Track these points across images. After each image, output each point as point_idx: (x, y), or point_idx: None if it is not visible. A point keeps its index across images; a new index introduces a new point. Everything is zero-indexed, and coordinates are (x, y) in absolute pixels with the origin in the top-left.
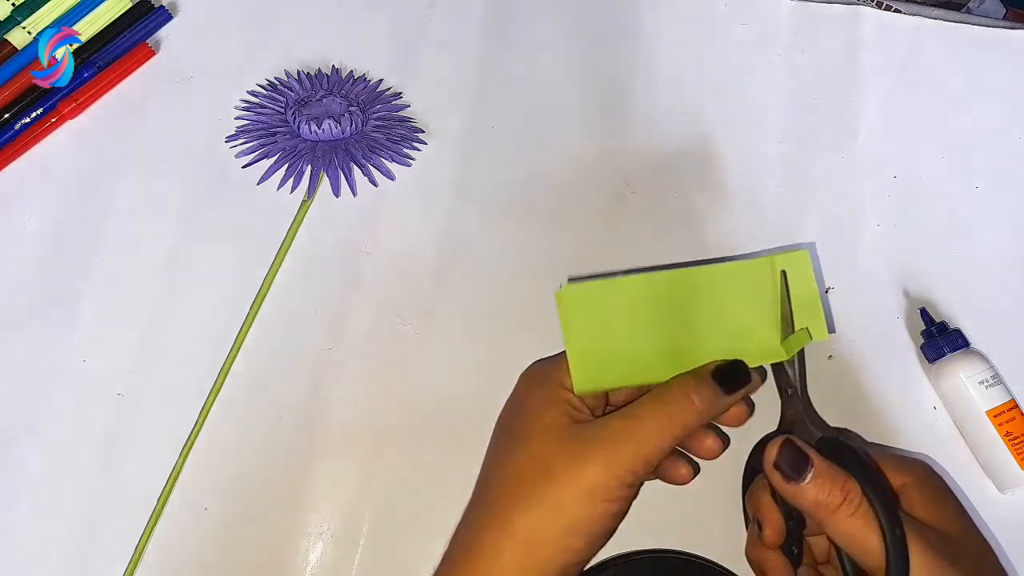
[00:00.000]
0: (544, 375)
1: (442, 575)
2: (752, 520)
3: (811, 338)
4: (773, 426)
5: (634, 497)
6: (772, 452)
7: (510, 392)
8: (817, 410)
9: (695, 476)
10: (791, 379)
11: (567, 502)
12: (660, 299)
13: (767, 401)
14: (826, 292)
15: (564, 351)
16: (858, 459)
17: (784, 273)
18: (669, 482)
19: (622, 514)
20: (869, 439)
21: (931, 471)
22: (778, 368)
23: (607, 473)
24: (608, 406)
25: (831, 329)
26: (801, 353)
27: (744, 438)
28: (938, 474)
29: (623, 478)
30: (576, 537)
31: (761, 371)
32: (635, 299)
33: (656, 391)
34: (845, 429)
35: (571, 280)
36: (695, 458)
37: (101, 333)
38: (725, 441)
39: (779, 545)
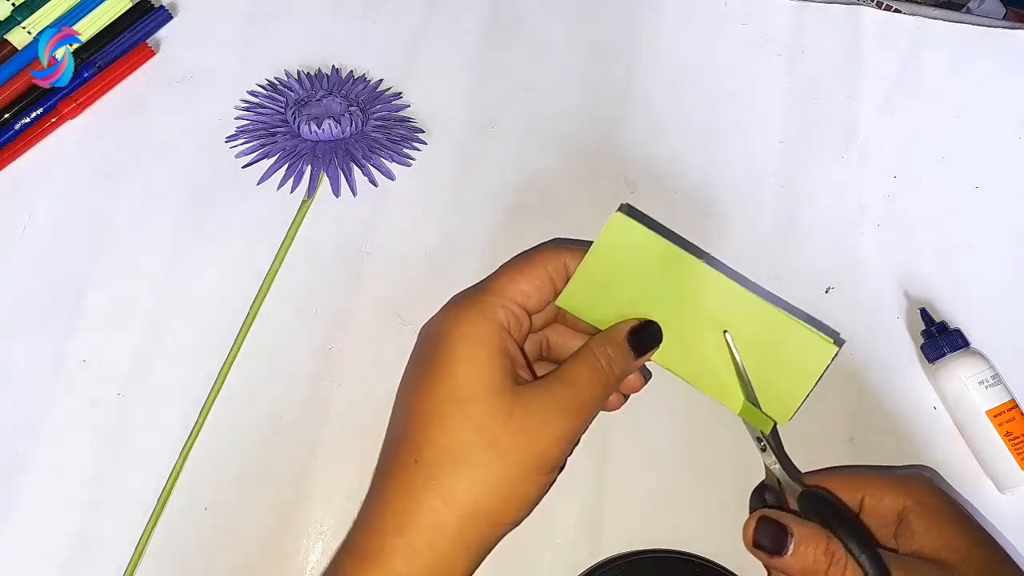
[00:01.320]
0: (477, 307)
1: (371, 545)
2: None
3: (769, 424)
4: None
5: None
6: (749, 532)
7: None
8: (818, 412)
9: (626, 401)
10: (762, 435)
11: (516, 475)
12: (690, 284)
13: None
14: (826, 292)
15: (494, 275)
16: (838, 512)
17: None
18: (607, 410)
19: (544, 494)
20: (869, 439)
21: (934, 490)
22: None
23: (559, 445)
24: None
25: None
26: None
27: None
28: (939, 490)
29: (568, 449)
30: (519, 510)
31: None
32: (670, 270)
33: (582, 356)
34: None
35: (629, 210)
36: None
37: (101, 333)
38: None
39: None
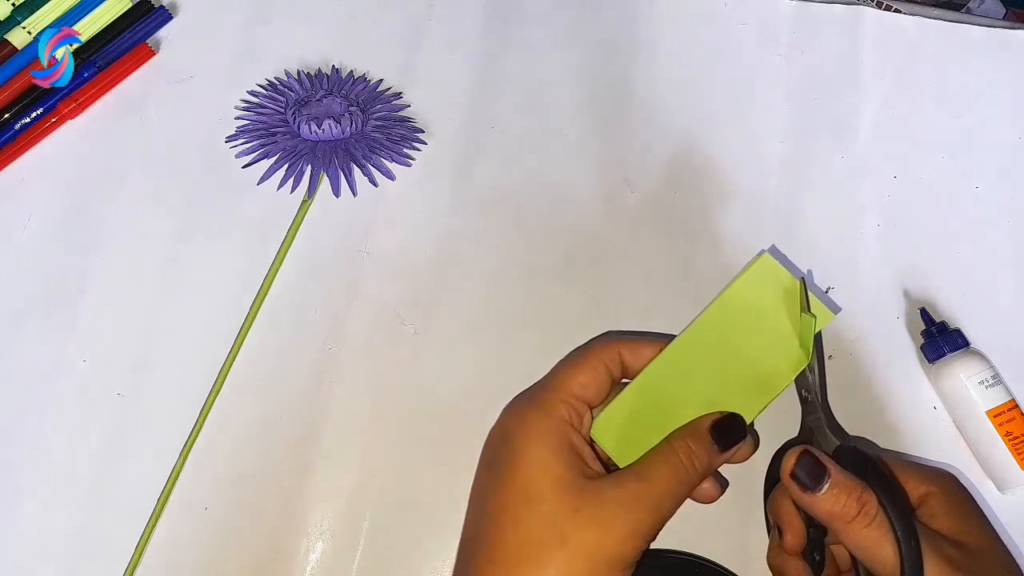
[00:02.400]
0: (538, 408)
1: None
2: (773, 526)
3: (817, 319)
4: (794, 432)
5: None
6: (790, 462)
7: (494, 423)
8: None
9: (723, 492)
10: (810, 384)
11: (582, 571)
12: (679, 368)
13: (787, 407)
14: (826, 292)
15: (547, 378)
16: (876, 469)
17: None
18: (699, 501)
19: None
20: (869, 439)
21: (956, 483)
22: (799, 374)
23: (630, 542)
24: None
25: (834, 309)
26: (820, 360)
27: (765, 443)
28: (964, 486)
29: (641, 545)
30: None
31: (754, 435)
32: (657, 382)
33: (660, 452)
34: (862, 438)
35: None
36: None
37: (101, 333)
38: (724, 485)
39: (800, 552)
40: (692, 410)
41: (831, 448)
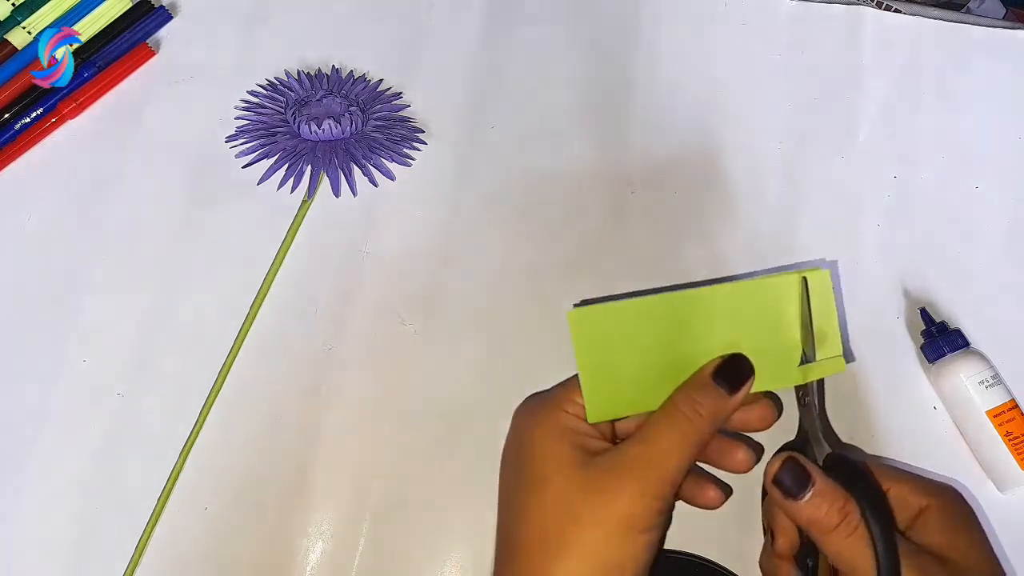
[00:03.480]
0: (544, 405)
1: None
2: (767, 529)
3: (827, 372)
4: (793, 436)
5: (668, 526)
6: (774, 467)
7: (509, 428)
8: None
9: (727, 498)
10: (810, 388)
11: (601, 542)
12: (675, 320)
13: (787, 412)
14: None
15: (560, 383)
16: (864, 480)
17: (807, 291)
18: (700, 506)
19: (658, 544)
20: (869, 439)
21: (958, 498)
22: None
23: (639, 502)
24: (615, 433)
25: (849, 357)
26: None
27: (766, 445)
28: (965, 503)
29: (653, 505)
30: (628, 571)
31: (777, 402)
32: (649, 321)
33: (662, 409)
34: (855, 447)
35: (581, 303)
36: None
37: (101, 333)
38: (727, 492)
39: (791, 556)
40: (672, 378)
41: (823, 454)
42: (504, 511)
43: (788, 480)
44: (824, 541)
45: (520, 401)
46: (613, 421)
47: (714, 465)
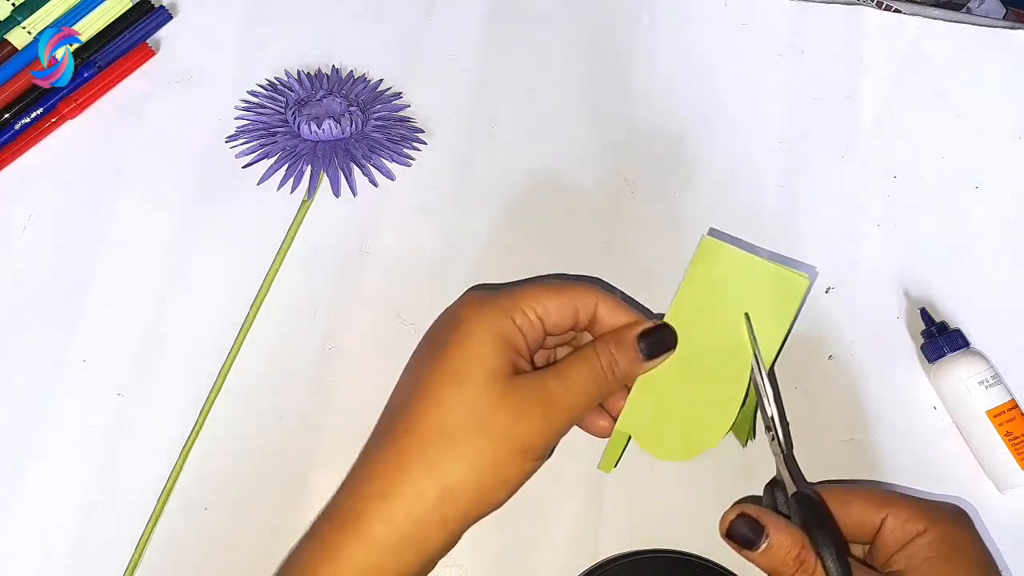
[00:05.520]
0: (494, 306)
1: (352, 508)
2: None
3: (795, 289)
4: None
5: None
6: (724, 523)
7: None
8: (818, 411)
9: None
10: (772, 426)
11: (500, 458)
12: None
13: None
14: (826, 292)
15: (516, 284)
16: (821, 519)
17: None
18: (592, 434)
19: (524, 481)
20: (869, 439)
21: (958, 525)
22: (760, 404)
23: (543, 435)
24: (533, 362)
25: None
26: (779, 398)
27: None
28: (968, 530)
29: (552, 440)
30: (500, 492)
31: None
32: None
33: (582, 354)
34: (825, 483)
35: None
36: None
37: (101, 333)
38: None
39: None
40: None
41: (789, 493)
42: (410, 382)
43: (740, 533)
44: None
45: None
46: (544, 333)
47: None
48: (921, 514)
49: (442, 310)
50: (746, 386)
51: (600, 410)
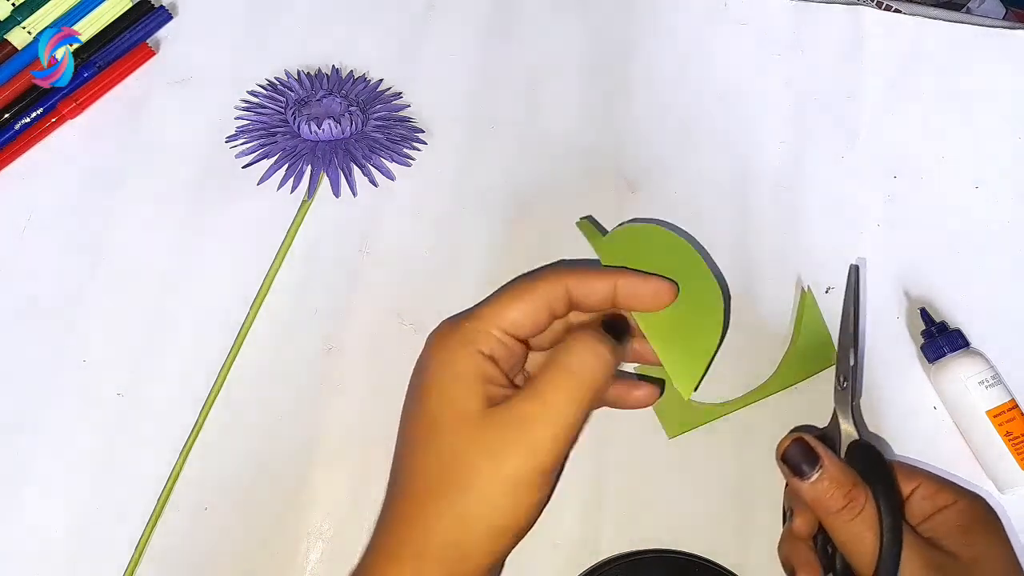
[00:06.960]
0: (458, 339)
1: (370, 564)
2: (787, 511)
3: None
4: (827, 421)
5: (559, 478)
6: (782, 446)
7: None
8: (817, 413)
9: (659, 393)
10: (848, 372)
11: (490, 496)
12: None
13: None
14: (826, 292)
15: (481, 306)
16: (883, 469)
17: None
18: (631, 407)
19: (546, 501)
20: (869, 439)
21: (985, 504)
22: (842, 355)
23: (526, 465)
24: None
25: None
26: (859, 354)
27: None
28: (991, 510)
29: (542, 467)
30: (507, 535)
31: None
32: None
33: (555, 357)
34: (883, 439)
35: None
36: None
37: (101, 333)
38: (657, 386)
39: (809, 536)
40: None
41: (849, 440)
42: (400, 438)
43: (795, 458)
44: (828, 522)
45: None
46: (527, 351)
47: (616, 407)
48: (950, 488)
49: (442, 310)
50: (721, 297)
51: (628, 383)
